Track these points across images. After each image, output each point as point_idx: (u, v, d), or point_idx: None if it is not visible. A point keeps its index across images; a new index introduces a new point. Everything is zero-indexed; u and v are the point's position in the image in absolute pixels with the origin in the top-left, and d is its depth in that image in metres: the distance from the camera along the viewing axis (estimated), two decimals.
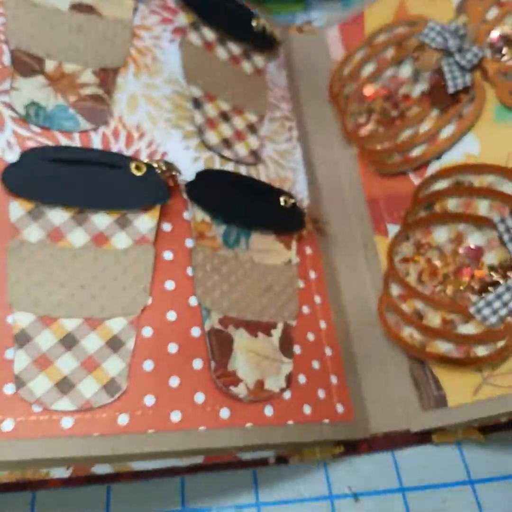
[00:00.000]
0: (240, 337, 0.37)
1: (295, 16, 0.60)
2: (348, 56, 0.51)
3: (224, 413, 0.35)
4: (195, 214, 0.39)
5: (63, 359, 0.32)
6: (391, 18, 0.50)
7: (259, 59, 0.49)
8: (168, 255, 0.37)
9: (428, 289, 0.42)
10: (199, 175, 0.40)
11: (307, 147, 0.49)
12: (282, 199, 0.43)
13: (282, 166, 0.46)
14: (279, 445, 0.38)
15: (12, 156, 0.35)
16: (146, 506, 0.40)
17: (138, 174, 0.37)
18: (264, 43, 0.49)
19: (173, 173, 0.37)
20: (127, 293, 0.35)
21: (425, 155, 0.45)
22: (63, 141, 0.37)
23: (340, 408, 0.39)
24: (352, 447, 0.41)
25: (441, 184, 0.44)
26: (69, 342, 0.33)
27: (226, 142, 0.43)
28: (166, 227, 0.38)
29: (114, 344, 0.33)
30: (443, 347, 0.41)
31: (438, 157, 0.45)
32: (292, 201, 0.43)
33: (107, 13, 0.42)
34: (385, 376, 0.43)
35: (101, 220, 0.36)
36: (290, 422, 0.37)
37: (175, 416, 0.33)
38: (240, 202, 0.41)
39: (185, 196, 0.39)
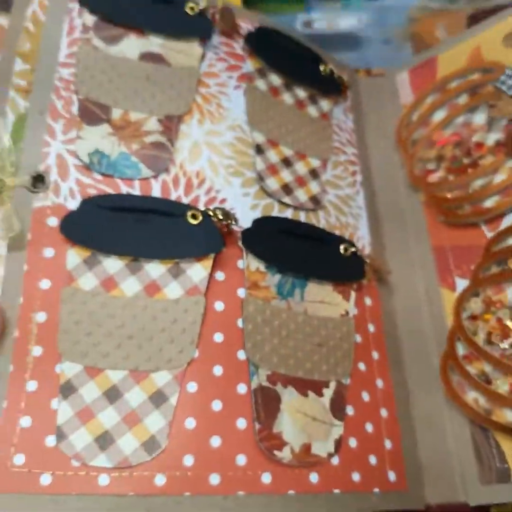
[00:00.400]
0: (289, 396, 0.32)
1: (296, 16, 0.56)
2: (418, 100, 0.45)
3: (266, 478, 0.30)
4: (249, 263, 0.35)
5: (105, 413, 0.29)
6: (464, 63, 0.43)
7: (325, 103, 0.44)
8: (219, 306, 0.33)
9: (497, 351, 0.35)
10: (256, 222, 0.35)
11: (372, 192, 0.44)
12: (342, 247, 0.38)
13: (343, 212, 0.41)
14: None
15: (74, 204, 0.33)
16: None
17: (194, 222, 0.33)
18: (331, 87, 0.44)
19: (230, 221, 0.33)
20: (174, 345, 0.31)
21: (498, 207, 0.38)
22: (124, 188, 0.34)
23: (392, 476, 0.33)
24: None
25: None
26: (113, 395, 0.29)
27: (286, 188, 0.38)
28: (219, 276, 0.34)
29: (157, 399, 0.30)
30: (511, 416, 0.34)
31: None
32: (353, 249, 0.38)
33: (175, 62, 0.39)
34: (444, 441, 0.36)
35: (155, 269, 0.32)
36: (337, 490, 0.31)
37: (214, 479, 0.29)
38: (297, 250, 0.36)
39: (240, 244, 0.35)
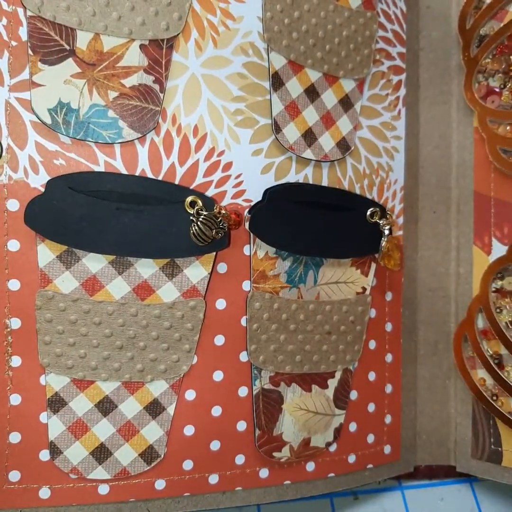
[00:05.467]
0: (292, 394, 0.37)
1: None
2: None
3: (263, 473, 0.37)
4: (256, 249, 0.35)
5: (99, 426, 0.33)
6: None
7: None
8: (220, 304, 0.35)
9: None
10: (267, 196, 0.35)
11: (415, 114, 0.41)
12: (369, 212, 0.38)
13: (376, 149, 0.39)
14: None
15: (38, 180, 0.31)
16: None
17: (193, 211, 0.33)
18: None
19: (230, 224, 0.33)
20: (169, 354, 0.34)
21: None
22: (101, 157, 0.32)
23: (387, 450, 0.41)
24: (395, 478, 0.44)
25: None
26: (106, 407, 0.33)
27: (309, 136, 0.36)
28: (221, 267, 0.35)
29: (154, 409, 0.34)
30: None
31: None
32: (379, 221, 0.38)
33: None
34: (445, 409, 0.43)
35: (145, 267, 0.33)
36: (331, 474, 0.39)
37: (213, 479, 0.35)
38: (316, 228, 0.36)
39: (247, 227, 0.35)
